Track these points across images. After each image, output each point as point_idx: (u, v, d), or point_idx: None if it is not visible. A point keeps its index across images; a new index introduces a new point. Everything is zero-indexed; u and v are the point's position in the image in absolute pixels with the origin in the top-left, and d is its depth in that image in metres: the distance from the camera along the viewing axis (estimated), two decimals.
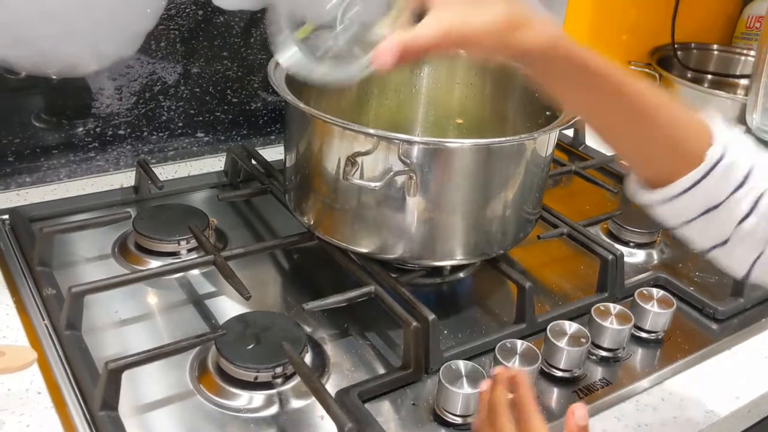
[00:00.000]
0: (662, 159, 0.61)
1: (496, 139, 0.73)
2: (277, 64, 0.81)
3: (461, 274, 0.89)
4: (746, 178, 0.59)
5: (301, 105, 0.74)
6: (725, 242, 0.61)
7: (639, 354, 0.79)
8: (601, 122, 0.62)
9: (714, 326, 0.84)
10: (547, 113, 0.84)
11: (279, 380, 0.68)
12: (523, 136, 0.73)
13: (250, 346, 0.68)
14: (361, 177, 0.72)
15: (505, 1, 0.54)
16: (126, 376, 0.63)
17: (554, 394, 0.72)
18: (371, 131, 0.71)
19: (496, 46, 0.53)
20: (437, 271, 0.87)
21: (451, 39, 0.52)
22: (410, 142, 0.71)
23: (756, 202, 0.59)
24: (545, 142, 0.78)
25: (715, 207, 0.60)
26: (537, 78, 0.59)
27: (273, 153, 1.07)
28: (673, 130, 0.60)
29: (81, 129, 0.98)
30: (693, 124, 0.60)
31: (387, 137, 0.70)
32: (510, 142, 0.73)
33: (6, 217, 0.88)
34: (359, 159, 0.72)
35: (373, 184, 0.70)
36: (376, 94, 0.95)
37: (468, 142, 0.73)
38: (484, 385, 0.58)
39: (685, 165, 0.59)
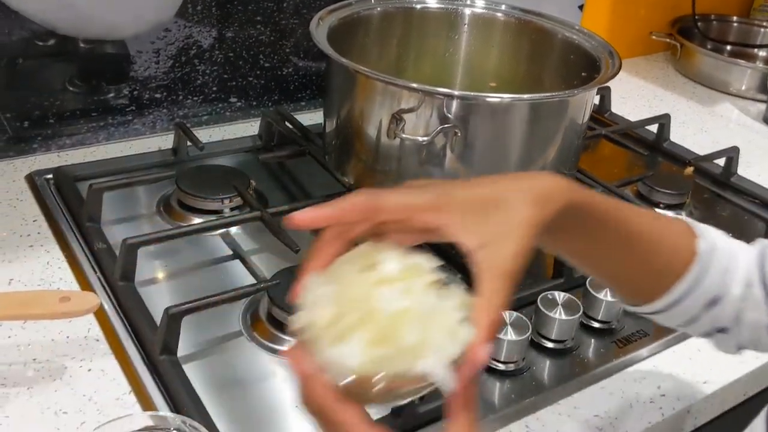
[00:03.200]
0: (652, 275, 0.55)
1: (539, 95, 0.74)
2: (320, 21, 0.82)
3: None
4: (736, 263, 0.55)
5: (346, 61, 0.75)
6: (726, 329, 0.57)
7: None
8: (588, 259, 0.55)
9: None
10: (583, 74, 0.85)
11: None
12: (565, 92, 0.75)
13: None
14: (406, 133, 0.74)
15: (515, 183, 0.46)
16: (182, 325, 0.66)
17: (593, 345, 0.74)
18: (415, 86, 0.73)
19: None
20: None
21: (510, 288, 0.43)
22: (453, 97, 0.73)
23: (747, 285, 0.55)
24: (584, 101, 0.79)
25: (717, 300, 0.55)
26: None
27: (303, 119, 1.08)
28: (659, 245, 0.54)
29: (119, 93, 0.99)
30: (674, 228, 0.55)
31: (432, 92, 0.72)
32: (551, 98, 0.75)
33: (50, 176, 0.90)
34: (404, 116, 0.73)
35: (420, 138, 0.72)
36: (413, 59, 0.97)
37: (509, 96, 0.74)
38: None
39: (677, 269, 0.54)
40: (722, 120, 1.32)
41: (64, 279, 0.75)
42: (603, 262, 0.55)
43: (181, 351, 0.67)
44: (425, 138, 0.72)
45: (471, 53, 0.97)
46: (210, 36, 1.02)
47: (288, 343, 0.69)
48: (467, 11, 0.95)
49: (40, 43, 0.92)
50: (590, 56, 0.85)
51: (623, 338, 0.75)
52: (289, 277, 0.72)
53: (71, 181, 0.88)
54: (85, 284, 0.75)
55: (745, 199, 1.02)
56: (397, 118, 0.73)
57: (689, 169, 1.07)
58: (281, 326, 0.70)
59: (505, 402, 0.66)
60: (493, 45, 0.96)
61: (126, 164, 0.94)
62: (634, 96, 1.36)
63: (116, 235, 0.79)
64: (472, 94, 0.76)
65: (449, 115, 0.73)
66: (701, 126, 1.27)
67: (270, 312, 0.71)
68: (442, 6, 0.95)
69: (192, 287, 0.76)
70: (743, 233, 0.94)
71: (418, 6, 0.94)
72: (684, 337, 0.77)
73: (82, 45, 0.96)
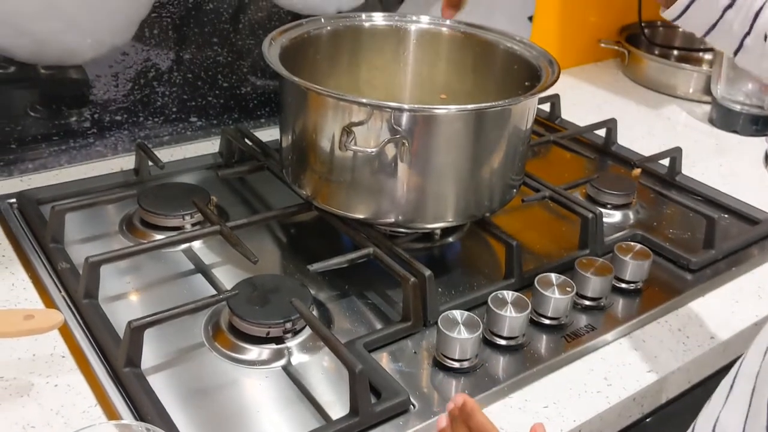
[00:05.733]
0: None
1: (481, 105, 0.78)
2: (272, 42, 0.85)
3: (450, 239, 0.94)
4: None
5: (297, 80, 0.78)
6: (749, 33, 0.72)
7: (620, 303, 0.84)
8: None
9: (688, 276, 0.90)
10: (526, 84, 0.89)
11: (289, 335, 0.73)
12: (505, 101, 0.78)
13: (260, 305, 0.73)
14: (356, 145, 0.77)
15: None
16: (145, 338, 0.68)
17: (543, 341, 0.78)
18: (364, 101, 0.76)
19: None
20: (428, 236, 0.93)
21: None
22: (401, 110, 0.76)
23: None
24: (526, 109, 0.83)
25: (731, 5, 0.71)
26: None
27: (263, 135, 1.11)
28: None
29: (80, 116, 1.01)
30: None
31: (380, 106, 0.75)
32: (494, 107, 0.78)
33: (13, 200, 0.91)
34: (354, 129, 0.76)
35: (369, 150, 0.75)
36: (364, 74, 1.00)
37: (454, 108, 0.78)
38: (443, 421, 0.62)
39: None
40: (669, 122, 1.37)
41: (29, 299, 0.77)
42: None
43: (146, 363, 0.69)
44: (374, 149, 0.75)
45: (420, 67, 1.01)
46: (168, 58, 1.05)
47: (249, 352, 0.72)
48: (413, 27, 0.98)
49: (0, 71, 0.94)
50: (531, 65, 0.89)
51: (572, 333, 0.79)
52: (247, 288, 0.75)
53: (34, 204, 0.90)
54: (49, 303, 0.77)
55: (688, 197, 1.07)
56: (347, 131, 0.76)
57: (636, 171, 1.12)
58: (242, 336, 0.73)
59: None
60: (441, 58, 1.00)
61: (88, 186, 0.96)
62: (585, 102, 1.41)
63: (80, 254, 0.81)
64: (417, 106, 0.80)
65: (397, 127, 0.76)
66: (649, 129, 1.32)
67: (231, 322, 0.73)
68: (389, 23, 0.98)
69: (156, 301, 0.78)
70: (687, 230, 1.00)
71: (367, 24, 0.98)
72: (630, 329, 0.81)
73: (42, 71, 0.98)
